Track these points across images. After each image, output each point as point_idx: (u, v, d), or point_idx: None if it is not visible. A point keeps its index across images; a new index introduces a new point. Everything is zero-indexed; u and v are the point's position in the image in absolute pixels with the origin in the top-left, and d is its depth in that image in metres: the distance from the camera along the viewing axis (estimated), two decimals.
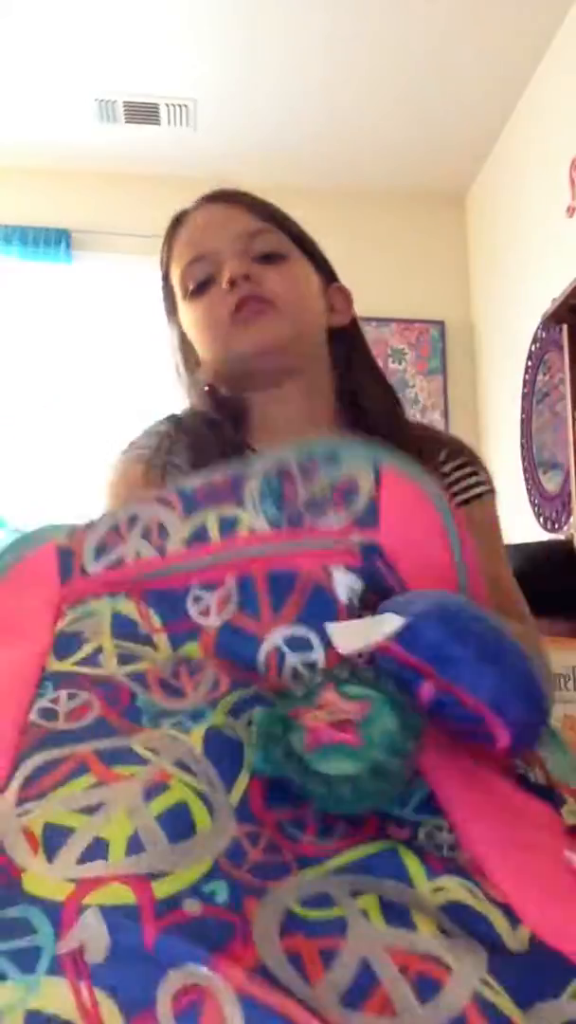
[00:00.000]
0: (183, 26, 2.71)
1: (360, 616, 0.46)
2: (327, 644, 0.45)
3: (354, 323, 0.92)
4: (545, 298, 2.67)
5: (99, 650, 0.46)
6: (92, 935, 0.29)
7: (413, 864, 0.35)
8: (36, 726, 0.40)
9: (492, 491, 0.89)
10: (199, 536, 0.50)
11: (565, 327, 2.58)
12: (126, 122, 3.19)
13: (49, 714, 0.41)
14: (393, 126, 3.19)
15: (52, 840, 0.33)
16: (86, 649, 0.46)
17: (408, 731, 0.38)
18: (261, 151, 3.25)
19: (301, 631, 0.46)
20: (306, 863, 0.35)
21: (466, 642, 0.40)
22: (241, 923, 0.31)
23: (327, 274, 0.91)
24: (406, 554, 0.48)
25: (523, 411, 3.02)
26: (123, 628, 0.47)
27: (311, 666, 0.45)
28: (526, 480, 2.97)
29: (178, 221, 0.88)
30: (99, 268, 3.42)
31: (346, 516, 0.49)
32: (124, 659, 0.46)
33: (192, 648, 0.47)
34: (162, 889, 0.31)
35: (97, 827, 0.33)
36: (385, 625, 0.41)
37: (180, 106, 3.09)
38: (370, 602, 0.46)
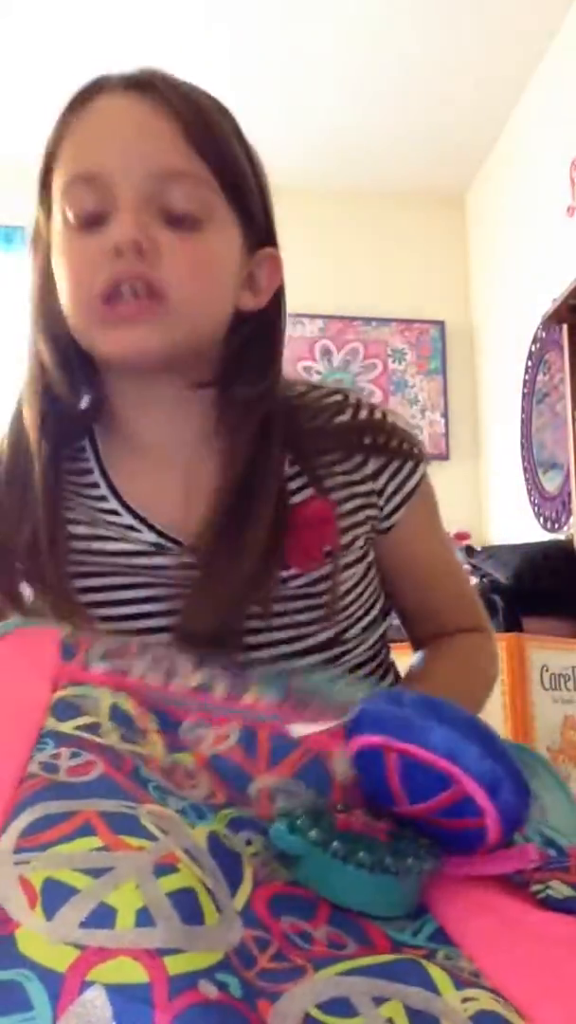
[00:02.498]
0: (183, 27, 2.71)
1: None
2: (327, 795, 0.45)
3: (275, 301, 0.71)
4: (545, 298, 2.67)
5: (98, 724, 0.44)
6: (96, 1019, 0.25)
7: (438, 973, 0.31)
8: (35, 776, 0.37)
9: (420, 463, 0.76)
10: (206, 687, 0.50)
11: (565, 327, 2.58)
12: None
13: (50, 767, 0.38)
14: (393, 126, 3.19)
15: (52, 896, 0.29)
16: (86, 719, 0.44)
17: (429, 856, 0.39)
18: (261, 151, 3.25)
19: (292, 786, 0.45)
20: (321, 964, 0.32)
21: (424, 712, 0.41)
22: (257, 1022, 0.27)
23: (257, 234, 0.69)
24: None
25: (523, 411, 3.02)
26: (120, 720, 0.46)
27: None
28: (526, 480, 2.97)
29: (86, 95, 0.66)
30: None
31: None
32: (125, 738, 0.44)
33: (186, 758, 0.46)
34: (176, 965, 0.27)
35: (103, 892, 0.29)
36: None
37: None
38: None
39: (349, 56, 2.84)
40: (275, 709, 0.49)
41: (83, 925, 0.28)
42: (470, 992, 0.31)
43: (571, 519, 2.59)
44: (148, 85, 0.64)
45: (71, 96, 0.67)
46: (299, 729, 0.46)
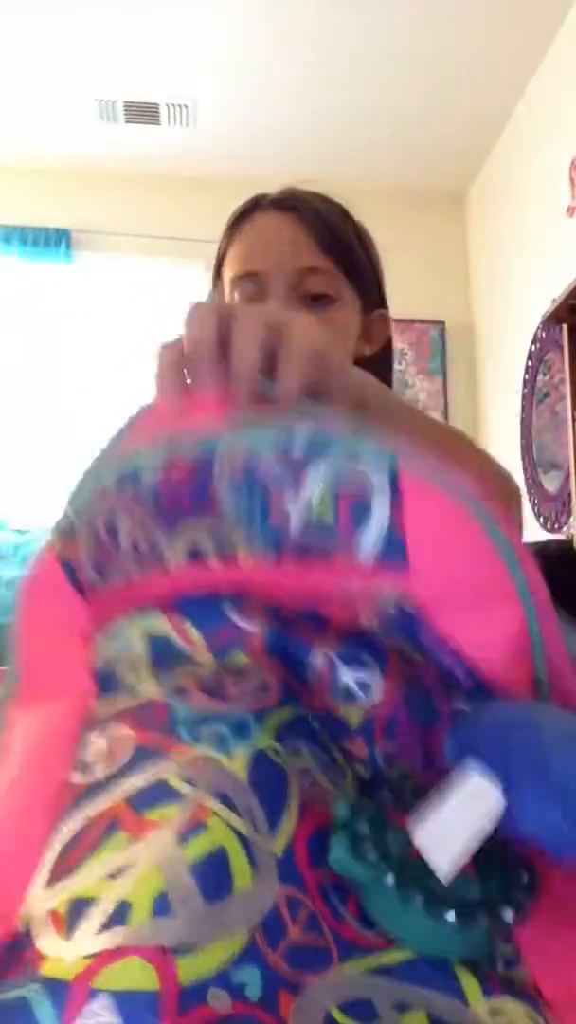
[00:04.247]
0: (183, 26, 2.71)
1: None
2: (383, 666, 0.38)
3: (386, 348, 0.94)
4: (545, 298, 2.67)
5: (138, 684, 0.40)
6: None
7: (467, 978, 0.29)
8: (74, 787, 0.35)
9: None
10: (197, 555, 0.41)
11: (565, 327, 2.58)
12: (126, 122, 3.19)
13: (87, 768, 0.36)
14: (393, 126, 3.19)
15: (75, 915, 0.28)
16: (124, 690, 0.40)
17: (521, 886, 0.31)
18: (261, 151, 3.25)
19: (353, 648, 0.39)
20: (347, 952, 0.30)
21: None
22: None
23: (373, 300, 0.91)
24: (452, 599, 0.37)
25: (523, 411, 3.02)
26: (160, 655, 0.41)
27: (365, 687, 0.39)
28: (526, 480, 2.97)
29: (246, 213, 0.87)
30: (99, 268, 3.42)
31: (366, 548, 0.37)
32: (162, 679, 0.40)
33: (238, 656, 0.40)
34: (189, 971, 0.26)
35: (122, 889, 0.28)
36: (479, 801, 0.31)
37: (180, 106, 3.09)
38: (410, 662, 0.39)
39: (349, 55, 2.84)
40: (277, 576, 0.39)
41: (100, 930, 0.27)
42: (500, 1002, 0.28)
43: (571, 519, 2.59)
44: (291, 207, 0.85)
45: (236, 212, 0.89)
46: (433, 845, 0.32)
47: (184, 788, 0.31)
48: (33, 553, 0.46)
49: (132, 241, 3.29)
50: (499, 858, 0.32)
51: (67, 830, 0.32)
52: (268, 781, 0.33)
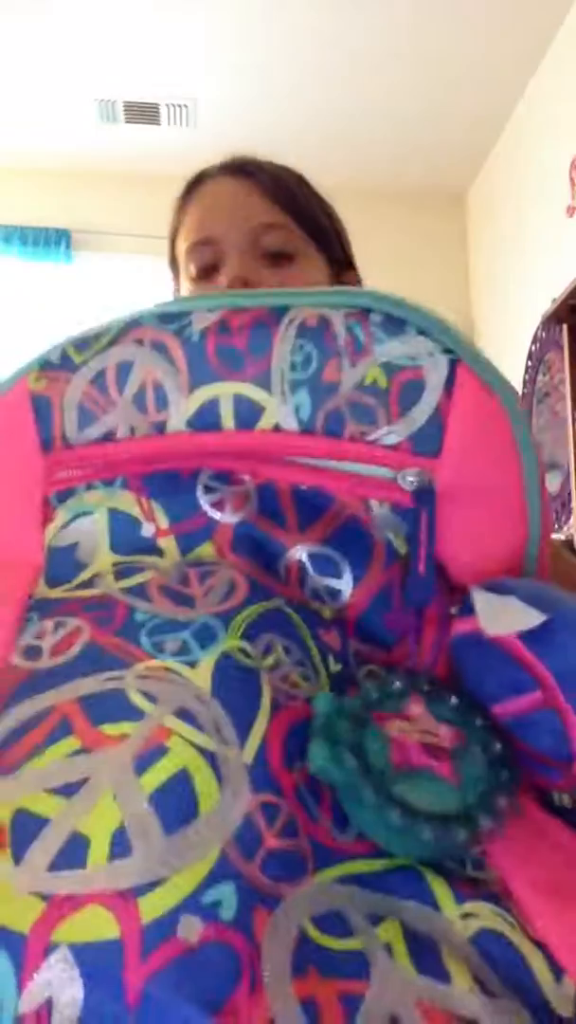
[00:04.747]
0: (183, 26, 2.71)
1: (399, 563, 0.37)
2: (357, 577, 0.37)
3: None
4: (545, 298, 2.67)
5: (96, 575, 0.38)
6: (61, 988, 0.23)
7: (438, 885, 0.29)
8: (16, 669, 0.33)
9: None
10: (207, 419, 0.39)
11: (565, 327, 2.58)
12: (126, 122, 3.19)
13: (32, 651, 0.34)
14: (393, 126, 3.19)
15: (22, 832, 0.26)
16: (82, 576, 0.38)
17: (502, 787, 0.31)
18: (261, 151, 3.25)
19: (328, 552, 0.37)
20: (322, 860, 0.29)
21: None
22: (248, 953, 0.24)
23: (341, 263, 0.85)
24: (468, 499, 0.37)
25: None
26: (123, 534, 0.38)
27: (334, 593, 0.37)
28: None
29: (194, 184, 0.85)
30: (99, 268, 3.42)
31: (402, 429, 0.37)
32: (122, 574, 0.37)
33: (205, 549, 0.38)
34: (152, 906, 0.24)
35: (76, 817, 0.26)
36: (528, 616, 0.32)
37: (180, 106, 3.09)
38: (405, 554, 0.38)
39: (349, 55, 2.84)
40: (300, 447, 0.38)
41: (52, 867, 0.25)
42: (471, 906, 0.28)
43: (571, 519, 2.59)
44: (241, 169, 0.82)
45: (183, 187, 0.86)
46: (485, 610, 0.33)
47: (144, 704, 0.30)
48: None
49: (132, 241, 3.28)
50: (483, 751, 0.32)
51: (5, 724, 0.30)
52: (235, 686, 0.31)
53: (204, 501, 0.38)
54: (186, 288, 0.83)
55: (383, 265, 3.99)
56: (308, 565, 0.37)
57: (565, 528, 2.65)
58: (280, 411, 0.38)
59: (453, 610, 0.37)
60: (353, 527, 0.38)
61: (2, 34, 2.74)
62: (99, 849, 0.25)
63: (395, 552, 0.37)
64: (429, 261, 3.57)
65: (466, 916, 0.28)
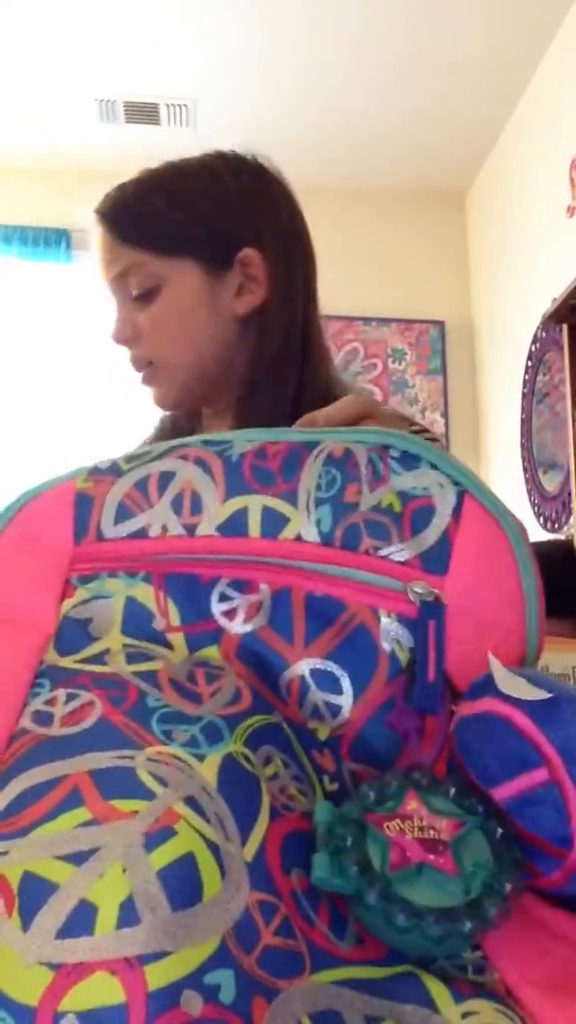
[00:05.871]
0: (183, 26, 2.71)
1: (403, 676, 0.39)
2: (357, 692, 0.39)
3: (271, 292, 0.80)
4: (545, 298, 2.67)
5: (106, 651, 0.40)
6: None
7: (435, 986, 0.29)
8: (27, 732, 0.34)
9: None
10: (236, 526, 0.42)
11: (565, 327, 2.58)
12: (126, 122, 3.19)
13: (43, 717, 0.35)
14: (393, 126, 3.19)
15: (31, 896, 0.26)
16: (92, 648, 0.40)
17: (507, 870, 0.31)
18: (261, 151, 3.25)
19: (331, 667, 0.39)
20: (319, 962, 0.29)
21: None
22: None
23: (221, 253, 0.80)
24: (471, 617, 0.39)
25: (523, 411, 3.02)
26: (136, 621, 0.41)
27: (334, 709, 0.39)
28: (526, 480, 2.97)
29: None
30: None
31: (412, 548, 0.40)
32: (133, 658, 0.39)
33: (212, 652, 0.40)
34: (158, 976, 0.25)
35: (85, 885, 0.27)
36: (536, 691, 0.34)
37: (180, 106, 3.09)
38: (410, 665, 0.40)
39: (349, 54, 2.84)
40: (319, 557, 0.40)
41: (60, 934, 0.25)
42: (471, 1004, 0.28)
43: (571, 519, 2.59)
44: (100, 213, 0.83)
45: None
46: (501, 674, 0.35)
47: (155, 786, 0.30)
48: (51, 480, 0.46)
49: None
50: (485, 836, 0.32)
51: (16, 787, 0.30)
52: (238, 787, 0.32)
53: (217, 609, 0.41)
54: None
55: (383, 265, 4.00)
56: (310, 680, 0.39)
57: (565, 528, 2.65)
58: (303, 523, 0.41)
59: (454, 707, 0.38)
60: (359, 639, 0.39)
61: (2, 34, 2.74)
62: (107, 917, 0.26)
63: (399, 665, 0.39)
64: (429, 261, 3.57)
65: (466, 1015, 0.28)
